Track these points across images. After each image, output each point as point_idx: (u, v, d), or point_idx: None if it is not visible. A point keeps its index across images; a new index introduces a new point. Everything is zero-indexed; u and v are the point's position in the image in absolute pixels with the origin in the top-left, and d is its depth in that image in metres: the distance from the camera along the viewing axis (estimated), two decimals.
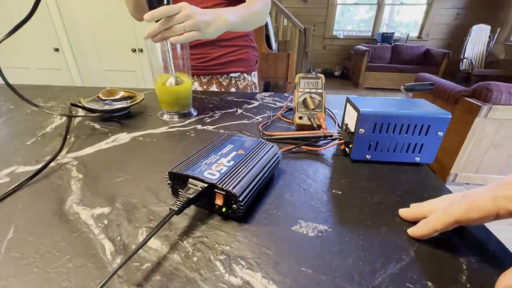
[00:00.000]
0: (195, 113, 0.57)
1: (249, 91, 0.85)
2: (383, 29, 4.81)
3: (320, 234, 0.25)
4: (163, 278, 0.21)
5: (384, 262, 0.22)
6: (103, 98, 0.59)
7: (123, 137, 0.45)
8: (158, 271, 0.21)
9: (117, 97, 0.61)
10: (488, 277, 0.21)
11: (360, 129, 0.35)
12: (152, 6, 0.44)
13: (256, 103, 0.65)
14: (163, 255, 0.23)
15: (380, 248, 0.23)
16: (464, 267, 0.22)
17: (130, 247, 0.23)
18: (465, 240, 0.24)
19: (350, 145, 0.38)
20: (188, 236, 0.25)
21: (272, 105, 0.64)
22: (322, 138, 0.43)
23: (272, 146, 0.34)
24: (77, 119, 0.54)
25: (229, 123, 0.52)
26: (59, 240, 0.24)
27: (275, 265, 0.22)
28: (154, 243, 0.24)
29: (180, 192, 0.26)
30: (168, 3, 0.45)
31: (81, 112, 0.54)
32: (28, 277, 0.21)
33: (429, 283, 0.20)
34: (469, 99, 1.59)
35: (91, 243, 0.24)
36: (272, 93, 0.74)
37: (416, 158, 0.37)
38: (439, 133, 0.34)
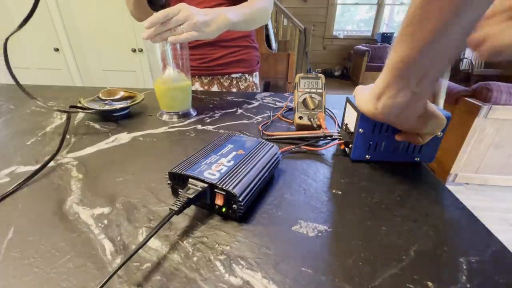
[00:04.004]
0: (194, 113, 0.57)
1: (250, 92, 0.85)
2: (383, 29, 4.80)
3: (320, 234, 0.25)
4: (163, 278, 0.21)
5: (384, 262, 0.22)
6: (103, 98, 0.59)
7: (123, 137, 0.45)
8: (158, 271, 0.21)
9: (117, 97, 0.61)
10: (488, 277, 0.21)
11: (360, 129, 0.35)
12: (153, 6, 0.44)
13: (256, 103, 0.65)
14: (163, 255, 0.23)
15: (380, 248, 0.23)
16: (464, 267, 0.22)
17: (130, 247, 0.23)
18: (465, 240, 0.24)
19: (350, 145, 0.38)
20: (188, 236, 0.25)
21: (272, 105, 0.64)
22: (322, 138, 0.43)
23: (272, 146, 0.34)
24: (77, 120, 0.54)
25: (229, 123, 0.52)
26: (59, 240, 0.24)
27: (275, 265, 0.22)
28: (154, 243, 0.24)
29: (180, 192, 0.26)
30: (166, 3, 0.45)
31: (78, 116, 0.54)
32: (28, 277, 0.21)
33: (429, 283, 0.20)
34: (469, 99, 1.59)
35: (91, 243, 0.24)
36: (272, 93, 0.74)
37: (416, 158, 0.37)
38: (439, 133, 0.34)
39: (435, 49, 0.23)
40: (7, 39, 0.41)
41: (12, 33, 0.40)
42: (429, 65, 0.24)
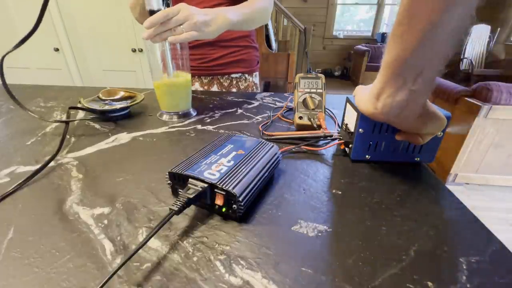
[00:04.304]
0: (194, 113, 0.57)
1: (250, 92, 0.85)
2: (383, 29, 4.80)
3: (320, 234, 0.25)
4: (163, 278, 0.21)
5: (384, 262, 0.22)
6: (103, 98, 0.59)
7: (123, 137, 0.45)
8: (158, 271, 0.21)
9: (117, 97, 0.61)
10: (488, 277, 0.21)
11: (360, 129, 0.35)
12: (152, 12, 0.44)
13: (256, 103, 0.65)
14: (163, 255, 0.23)
15: (380, 248, 0.23)
16: (464, 267, 0.22)
17: (130, 247, 0.23)
18: (465, 240, 0.24)
19: (350, 145, 0.38)
20: (188, 236, 0.25)
21: (272, 105, 0.64)
22: (322, 138, 0.43)
23: (272, 146, 0.34)
24: (77, 120, 0.54)
25: (229, 123, 0.52)
26: (59, 240, 0.24)
27: (275, 265, 0.22)
28: (154, 243, 0.24)
29: (180, 192, 0.26)
30: (168, 6, 0.45)
31: (78, 116, 0.54)
32: (28, 277, 0.21)
33: (429, 283, 0.20)
34: (469, 99, 1.59)
35: (91, 243, 0.24)
36: (272, 93, 0.74)
37: (416, 158, 0.37)
38: (439, 133, 0.34)
39: (426, 49, 0.23)
40: (3, 58, 0.41)
41: (8, 53, 0.40)
42: (423, 64, 0.24)
